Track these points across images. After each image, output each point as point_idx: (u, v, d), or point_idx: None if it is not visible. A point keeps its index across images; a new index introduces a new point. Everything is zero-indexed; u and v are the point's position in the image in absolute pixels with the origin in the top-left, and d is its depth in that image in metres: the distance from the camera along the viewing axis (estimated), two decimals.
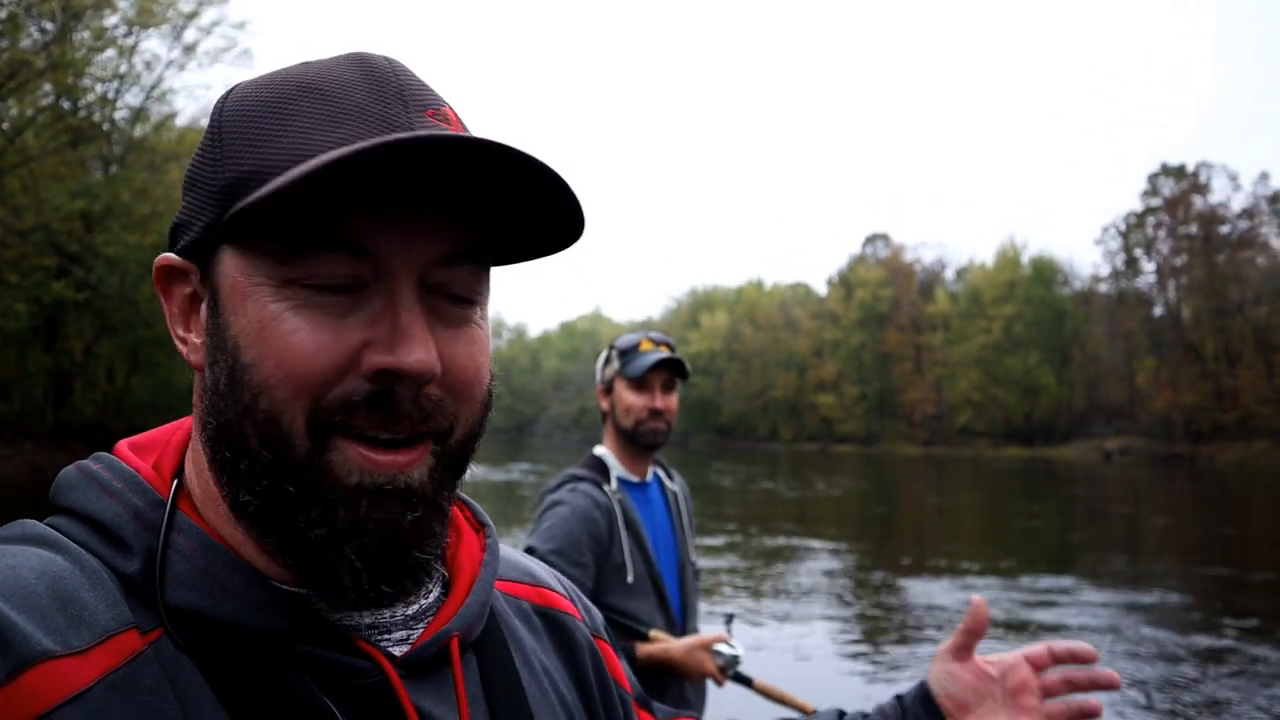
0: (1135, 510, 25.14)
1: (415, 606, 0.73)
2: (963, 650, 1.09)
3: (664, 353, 2.73)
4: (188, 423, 0.75)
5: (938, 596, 11.11)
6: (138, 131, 34.42)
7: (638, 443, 2.73)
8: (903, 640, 9.04)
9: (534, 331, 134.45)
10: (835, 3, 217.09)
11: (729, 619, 2.75)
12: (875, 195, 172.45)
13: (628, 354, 2.75)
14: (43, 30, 26.64)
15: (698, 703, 2.73)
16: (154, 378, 34.14)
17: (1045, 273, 78.51)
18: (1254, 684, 7.58)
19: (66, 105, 30.96)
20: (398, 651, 0.70)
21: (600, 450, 2.81)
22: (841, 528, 19.12)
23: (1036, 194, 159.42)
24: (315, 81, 0.66)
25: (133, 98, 34.28)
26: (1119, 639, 9.18)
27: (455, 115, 0.70)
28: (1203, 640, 9.16)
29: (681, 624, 2.75)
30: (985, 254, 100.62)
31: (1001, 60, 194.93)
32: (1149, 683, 7.62)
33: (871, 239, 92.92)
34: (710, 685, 2.74)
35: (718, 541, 15.85)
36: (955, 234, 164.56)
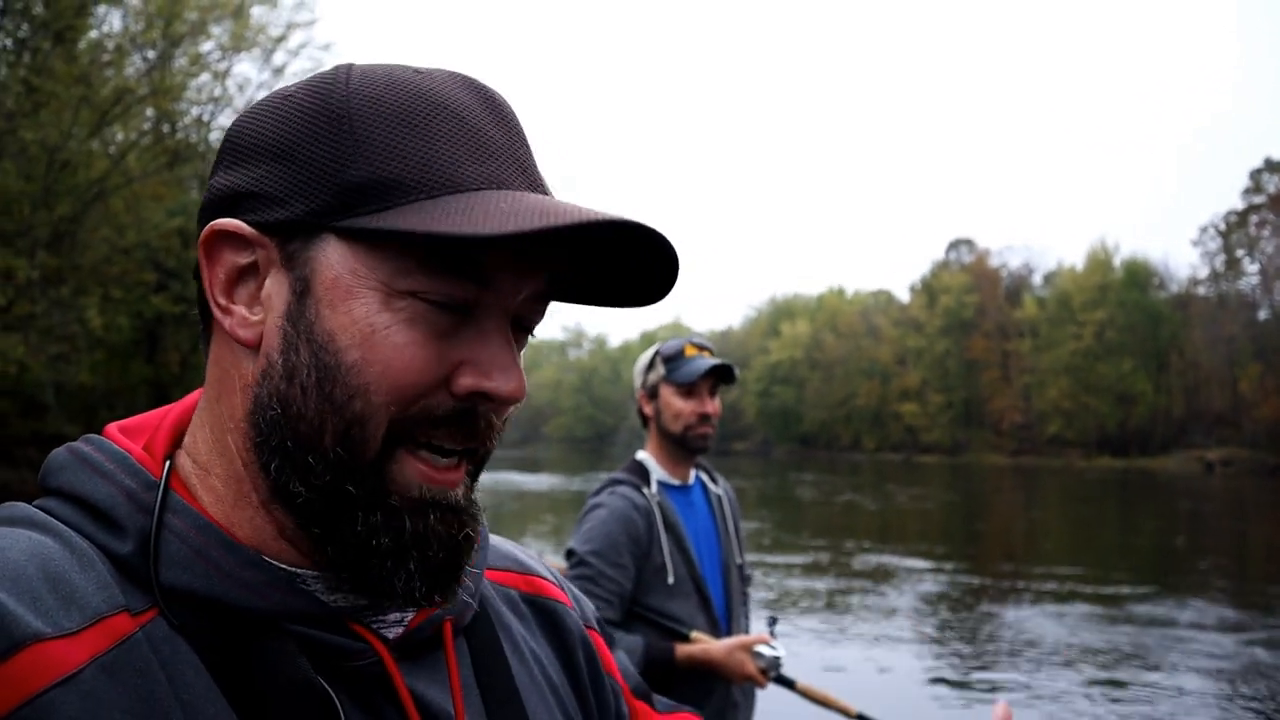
0: (1242, 525, 24.04)
1: None
2: None
3: (712, 359, 2.76)
4: (180, 405, 0.75)
5: (1027, 620, 10.71)
6: None
7: (687, 447, 2.76)
8: (984, 665, 8.80)
9: (614, 342, 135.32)
10: (918, 6, 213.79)
11: (773, 621, 2.75)
12: (959, 199, 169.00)
13: (674, 360, 2.78)
14: (145, 59, 27.97)
15: (746, 705, 2.74)
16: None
17: (1139, 275, 75.74)
18: None
19: (166, 128, 32.43)
20: (391, 634, 0.70)
21: (642, 455, 2.84)
22: (926, 543, 18.72)
23: (1128, 193, 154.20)
24: (444, 100, 0.67)
25: (225, 119, 35.71)
26: (1233, 672, 8.80)
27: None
28: None
29: (727, 626, 2.75)
30: (1075, 257, 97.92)
31: (1089, 56, 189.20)
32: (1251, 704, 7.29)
33: (955, 244, 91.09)
34: (761, 690, 2.74)
35: (798, 559, 15.72)
36: (1043, 237, 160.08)
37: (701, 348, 2.81)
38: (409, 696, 0.68)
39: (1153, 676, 8.01)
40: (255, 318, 0.67)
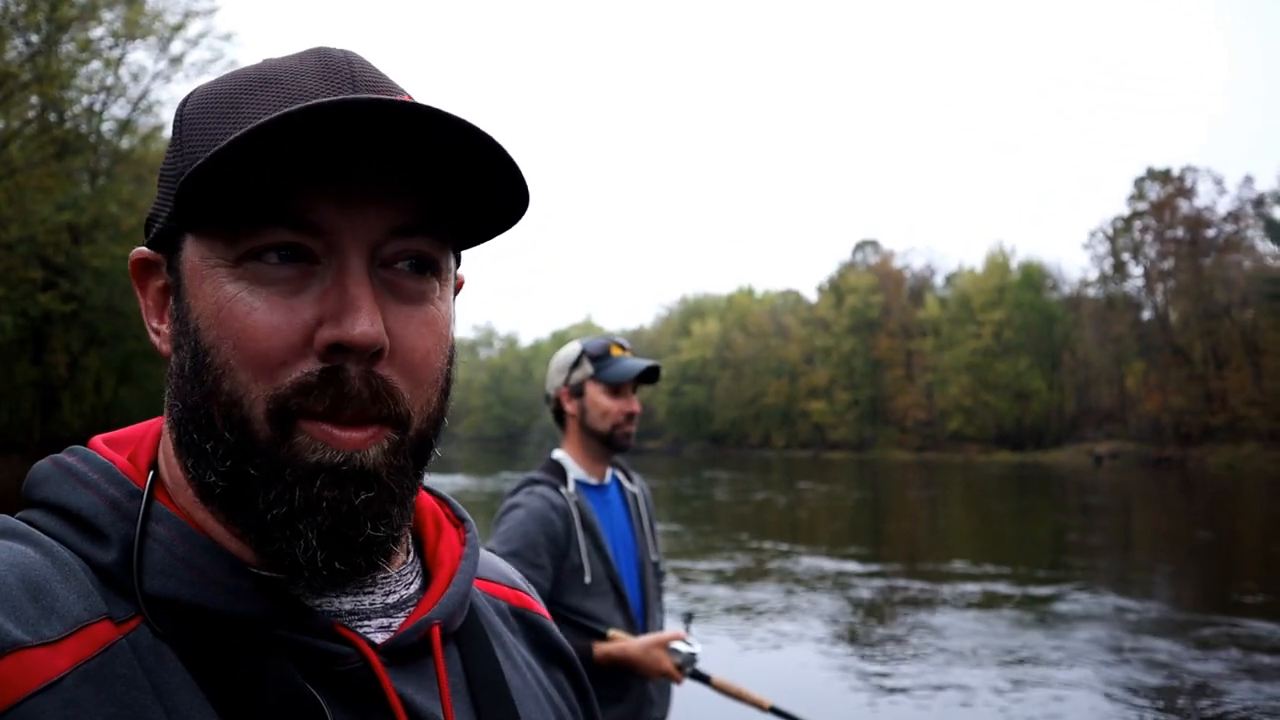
0: (1126, 514, 25.24)
1: (396, 596, 0.74)
2: None
3: (642, 360, 2.79)
4: (162, 419, 0.75)
5: (934, 614, 11.09)
6: (124, 143, 34.40)
7: (613, 445, 2.77)
8: (893, 658, 9.04)
9: (525, 340, 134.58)
10: (824, 10, 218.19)
11: (688, 617, 2.78)
12: (864, 202, 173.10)
13: (601, 359, 2.79)
14: (28, 42, 26.62)
15: (661, 701, 2.75)
16: (144, 390, 34.02)
17: (1034, 277, 78.79)
18: (1258, 690, 7.61)
19: (53, 117, 30.94)
20: (379, 639, 0.70)
21: (558, 454, 2.83)
22: (836, 539, 19.11)
23: (1024, 199, 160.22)
24: (270, 73, 0.68)
25: (119, 110, 34.27)
26: (1114, 647, 9.21)
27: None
28: (1198, 644, 9.20)
29: (643, 624, 2.76)
30: (974, 259, 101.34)
31: (988, 66, 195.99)
32: (1149, 693, 7.64)
33: (861, 245, 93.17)
34: (677, 686, 2.76)
35: (712, 557, 15.86)
36: (944, 240, 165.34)
37: (623, 348, 2.83)
38: (397, 701, 0.67)
39: (1054, 660, 8.34)
40: (165, 331, 0.70)
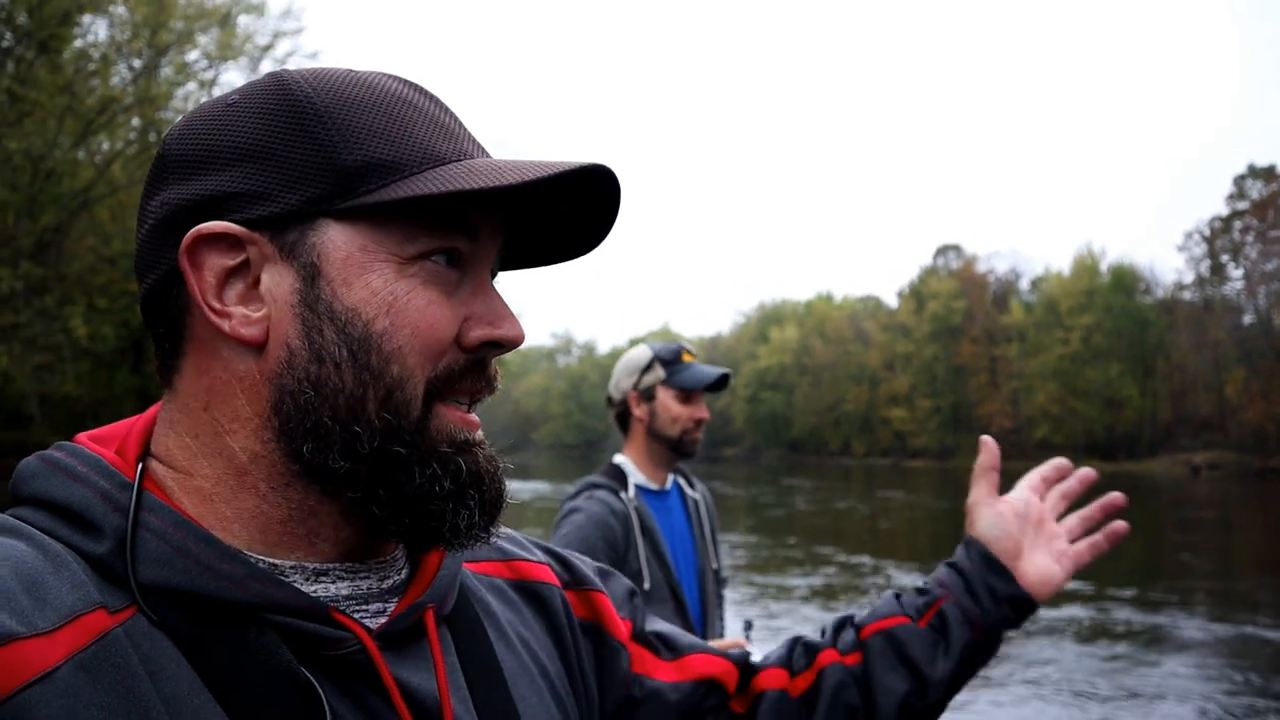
0: (1228, 528, 24.15)
1: (390, 580, 0.75)
2: (992, 489, 1.14)
3: (715, 368, 2.80)
4: (146, 415, 0.76)
5: (1018, 630, 10.82)
6: None
7: (681, 451, 2.77)
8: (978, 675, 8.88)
9: (603, 348, 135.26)
10: (907, 13, 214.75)
11: (748, 625, 2.77)
12: (946, 205, 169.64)
13: (673, 364, 2.79)
14: (130, 67, 27.91)
15: None
16: None
17: (1125, 281, 76.09)
18: None
19: (152, 137, 32.33)
20: (373, 624, 0.71)
21: (619, 458, 2.84)
22: (916, 549, 18.75)
23: (1114, 200, 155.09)
24: (398, 93, 0.73)
25: None
26: (1214, 675, 8.86)
27: None
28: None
29: (702, 631, 2.77)
30: (1061, 263, 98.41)
31: (1075, 63, 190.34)
32: (1220, 703, 7.34)
33: (943, 250, 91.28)
34: None
35: (785, 564, 15.73)
36: (1029, 243, 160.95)
37: (692, 354, 2.85)
38: (394, 683, 0.68)
39: (1148, 687, 8.05)
40: (257, 314, 0.69)
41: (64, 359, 23.47)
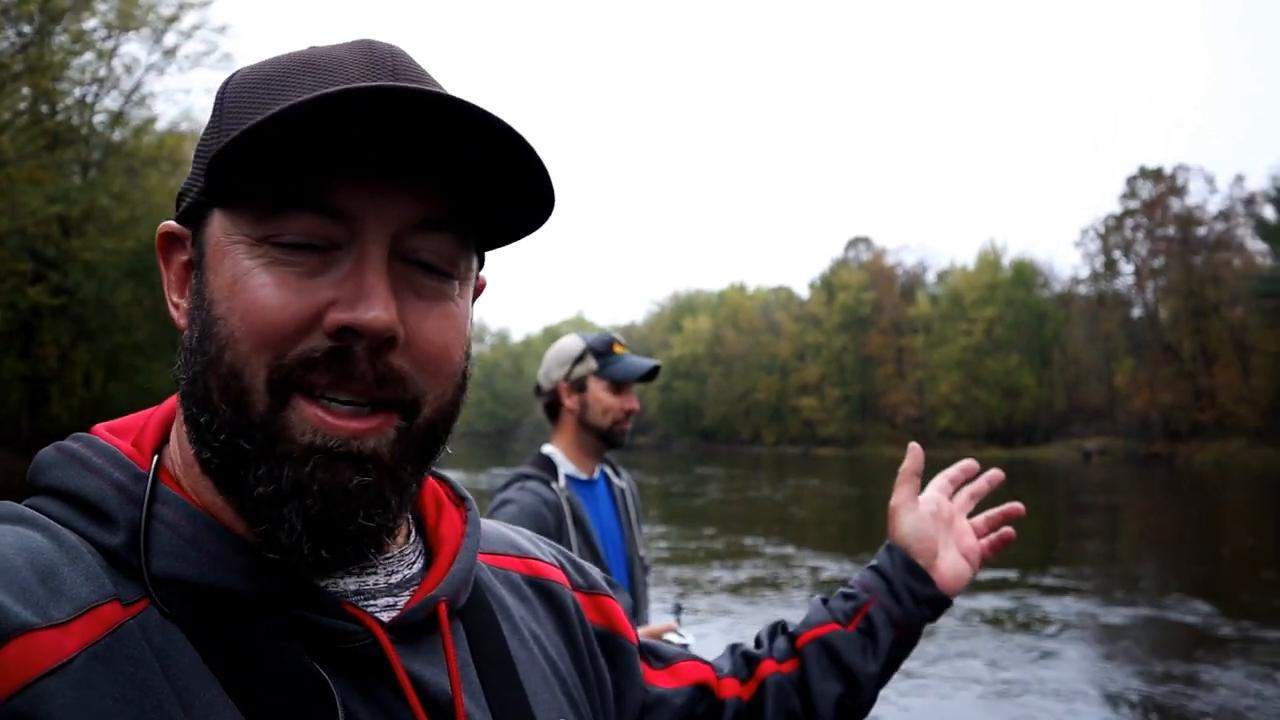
0: (1115, 510, 25.36)
1: (399, 575, 0.74)
2: (914, 493, 1.21)
3: (647, 360, 2.82)
4: (167, 404, 0.76)
5: None
6: (116, 135, 34.21)
7: (610, 442, 2.80)
8: None
9: (517, 336, 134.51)
10: (818, 7, 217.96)
11: (677, 609, 2.81)
12: (857, 199, 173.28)
13: (605, 355, 2.80)
14: (20, 33, 26.48)
15: None
16: (132, 384, 33.88)
17: (1025, 275, 78.98)
18: (1246, 678, 7.71)
19: (44, 109, 30.75)
20: (385, 618, 0.70)
21: (548, 449, 2.84)
22: (825, 535, 19.23)
23: (1017, 197, 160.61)
24: (313, 59, 0.69)
25: (111, 101, 34.09)
26: (1102, 638, 9.30)
27: None
28: (1183, 635, 9.30)
29: (634, 619, 2.81)
30: (966, 257, 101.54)
31: (982, 63, 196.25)
32: (1133, 686, 7.73)
33: (853, 242, 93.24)
34: None
35: (702, 551, 15.90)
36: (936, 237, 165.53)
37: (624, 345, 2.87)
38: (406, 677, 0.67)
39: (1038, 654, 8.42)
40: (183, 306, 0.71)
41: None
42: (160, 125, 35.66)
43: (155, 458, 0.69)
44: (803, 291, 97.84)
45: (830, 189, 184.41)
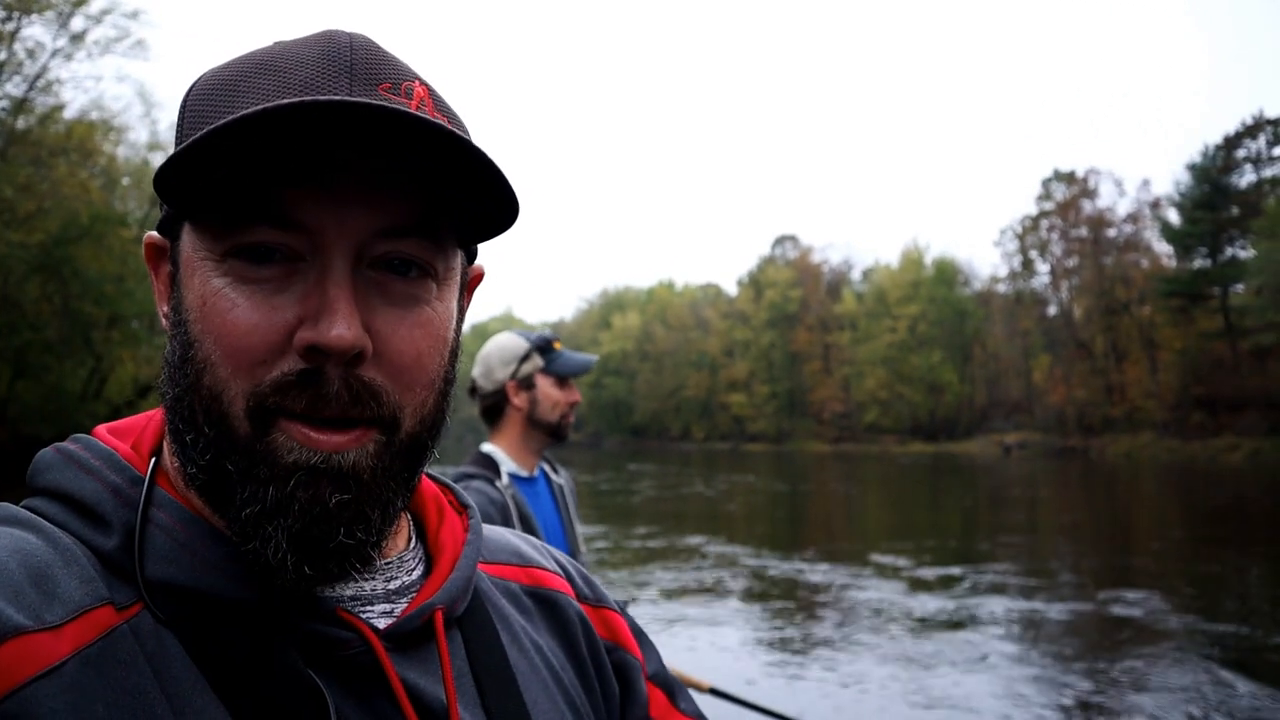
0: (1031, 501, 26.12)
1: (398, 582, 0.74)
2: None
3: (589, 355, 2.87)
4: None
5: (850, 593, 11.34)
6: (20, 123, 32.74)
7: (559, 436, 2.82)
8: (816, 639, 9.20)
9: None
10: (743, 9, 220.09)
11: (623, 605, 2.77)
12: (784, 198, 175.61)
13: (549, 352, 2.82)
14: None
15: None
16: (42, 383, 32.53)
17: (947, 273, 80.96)
18: (1153, 661, 7.94)
19: None
20: (381, 625, 0.69)
21: (488, 447, 2.80)
22: (755, 529, 19.38)
23: (939, 198, 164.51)
24: (272, 59, 0.66)
25: (14, 88, 32.59)
26: (1032, 635, 9.50)
27: (426, 91, 0.68)
28: (1087, 612, 9.58)
29: None
30: (890, 255, 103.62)
31: (904, 67, 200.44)
32: (1044, 654, 7.90)
33: (780, 240, 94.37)
34: None
35: (638, 548, 15.88)
36: (861, 236, 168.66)
37: (559, 342, 2.90)
38: (400, 686, 0.66)
39: (963, 640, 8.58)
40: (169, 318, 0.70)
41: None
42: (69, 113, 34.24)
43: (153, 461, 0.68)
44: (731, 289, 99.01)
45: (757, 188, 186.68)
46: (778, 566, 13.32)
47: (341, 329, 0.61)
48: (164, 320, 0.70)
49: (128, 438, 0.72)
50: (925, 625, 9.34)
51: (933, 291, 79.00)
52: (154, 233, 0.71)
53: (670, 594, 11.12)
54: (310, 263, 0.63)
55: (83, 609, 0.59)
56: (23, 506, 0.66)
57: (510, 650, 0.79)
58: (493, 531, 0.90)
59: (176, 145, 0.66)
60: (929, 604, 10.41)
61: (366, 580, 0.71)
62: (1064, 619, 9.71)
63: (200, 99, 0.67)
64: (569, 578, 0.91)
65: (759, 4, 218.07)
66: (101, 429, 0.73)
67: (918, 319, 78.29)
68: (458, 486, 0.87)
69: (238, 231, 0.63)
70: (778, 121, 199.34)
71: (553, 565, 0.92)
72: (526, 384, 2.80)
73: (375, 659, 0.66)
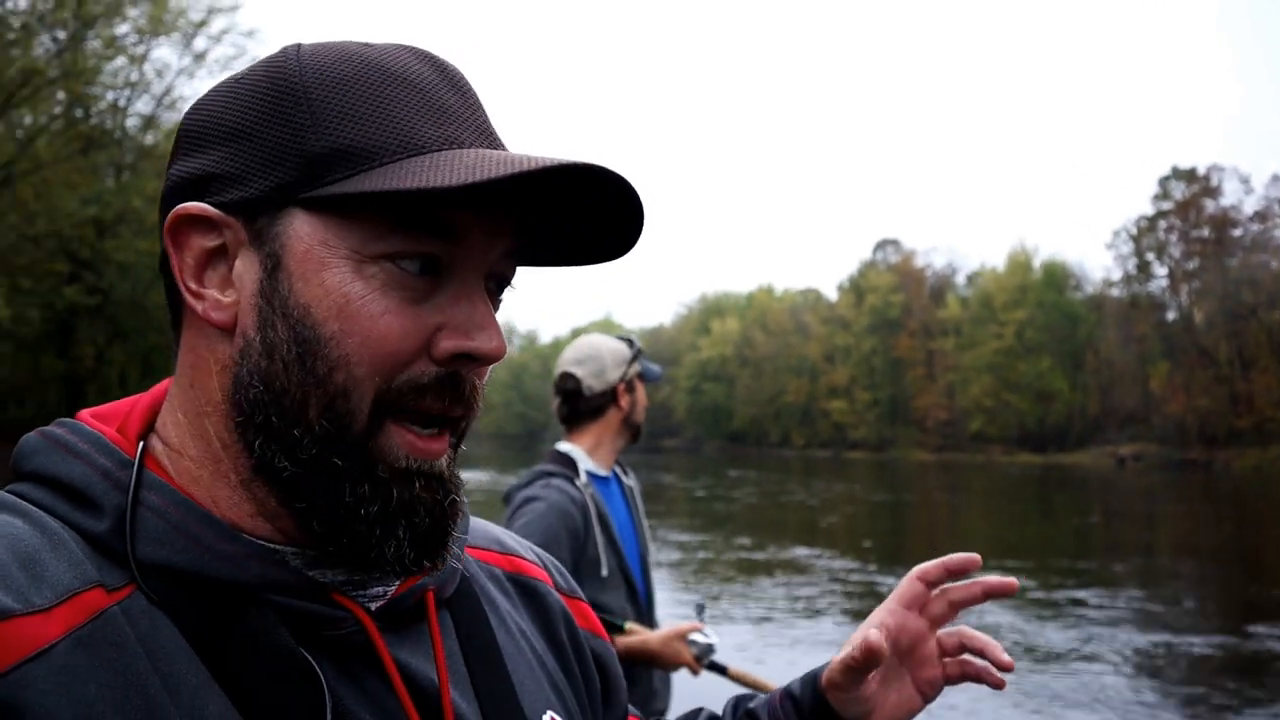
0: (1150, 517, 24.94)
1: None
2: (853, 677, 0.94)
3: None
4: (152, 393, 0.75)
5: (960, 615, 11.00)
6: (149, 139, 34.71)
7: (638, 437, 2.90)
8: None
9: (545, 338, 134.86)
10: (846, 7, 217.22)
11: (700, 608, 2.75)
12: (886, 200, 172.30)
13: (640, 356, 2.90)
14: (55, 39, 26.88)
15: (664, 693, 2.73)
16: None
17: (1057, 277, 78.24)
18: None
19: (79, 113, 31.25)
20: (372, 606, 0.70)
21: (565, 446, 2.80)
22: (855, 538, 19.03)
23: (1047, 198, 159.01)
24: (397, 70, 0.68)
25: (144, 105, 34.59)
26: (1134, 652, 9.09)
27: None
28: (1219, 648, 9.06)
29: (649, 616, 2.76)
30: (996, 259, 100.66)
31: (1013, 62, 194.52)
32: (1169, 696, 7.54)
33: (882, 244, 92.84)
34: (677, 675, 2.74)
35: (728, 553, 15.80)
36: (966, 239, 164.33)
37: None
38: (392, 664, 0.68)
39: (1077, 664, 8.24)
40: (228, 299, 0.67)
41: None
42: None
43: (141, 444, 0.69)
44: (831, 294, 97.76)
45: (858, 191, 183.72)
46: (881, 582, 12.97)
47: (498, 341, 0.67)
48: (193, 299, 0.68)
49: (112, 422, 0.72)
50: (1036, 655, 8.76)
51: (1041, 296, 76.40)
52: (199, 204, 0.67)
53: (769, 606, 10.98)
54: (450, 274, 0.67)
55: (72, 591, 0.60)
56: (8, 492, 0.66)
57: (498, 632, 0.80)
58: (475, 519, 0.91)
59: (301, 125, 0.65)
60: (1041, 631, 9.78)
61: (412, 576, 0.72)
62: (1191, 654, 9.06)
63: (333, 91, 0.66)
64: (547, 569, 0.93)
65: (860, 2, 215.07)
66: (85, 413, 0.72)
67: (1025, 324, 75.79)
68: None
69: (400, 238, 0.64)
70: (879, 122, 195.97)
71: (532, 556, 0.93)
72: (631, 386, 2.85)
73: (367, 638, 0.67)
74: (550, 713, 0.80)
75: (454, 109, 0.69)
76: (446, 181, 0.61)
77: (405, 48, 0.71)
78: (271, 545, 0.67)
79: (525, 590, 0.89)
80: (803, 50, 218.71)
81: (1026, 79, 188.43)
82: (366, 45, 0.70)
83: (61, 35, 26.60)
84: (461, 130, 0.68)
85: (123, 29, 30.24)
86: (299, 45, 0.70)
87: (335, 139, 0.65)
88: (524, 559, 0.91)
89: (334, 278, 0.64)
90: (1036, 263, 79.89)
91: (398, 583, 0.73)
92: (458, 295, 0.67)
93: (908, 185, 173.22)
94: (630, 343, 2.91)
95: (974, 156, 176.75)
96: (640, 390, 2.87)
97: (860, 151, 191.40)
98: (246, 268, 0.67)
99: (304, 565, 0.68)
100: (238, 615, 0.64)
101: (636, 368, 2.86)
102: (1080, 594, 12.01)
